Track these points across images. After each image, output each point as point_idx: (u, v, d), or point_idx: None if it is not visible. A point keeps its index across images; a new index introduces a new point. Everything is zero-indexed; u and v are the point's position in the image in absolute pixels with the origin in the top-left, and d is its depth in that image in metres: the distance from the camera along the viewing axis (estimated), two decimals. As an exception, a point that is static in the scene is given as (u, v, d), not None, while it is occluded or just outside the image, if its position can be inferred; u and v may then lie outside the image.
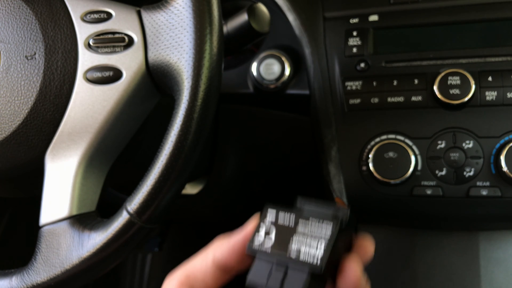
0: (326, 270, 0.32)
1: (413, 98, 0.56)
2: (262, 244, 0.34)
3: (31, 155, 0.44)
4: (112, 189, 0.73)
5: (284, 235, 0.34)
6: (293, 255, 0.33)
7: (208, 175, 0.75)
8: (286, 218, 0.34)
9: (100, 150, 0.44)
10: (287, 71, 0.63)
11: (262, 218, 0.35)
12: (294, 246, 0.33)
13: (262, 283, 0.33)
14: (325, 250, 0.32)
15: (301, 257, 0.32)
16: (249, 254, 0.34)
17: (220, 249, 0.35)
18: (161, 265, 1.08)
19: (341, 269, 0.33)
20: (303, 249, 0.33)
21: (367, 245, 0.36)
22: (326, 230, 0.33)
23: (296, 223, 0.34)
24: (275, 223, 0.34)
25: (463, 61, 0.55)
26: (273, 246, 0.34)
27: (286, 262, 0.33)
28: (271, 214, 0.35)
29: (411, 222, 0.62)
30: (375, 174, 0.55)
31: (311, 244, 0.32)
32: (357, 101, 0.57)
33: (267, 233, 0.34)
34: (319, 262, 0.32)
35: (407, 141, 0.55)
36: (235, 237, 0.35)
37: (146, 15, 0.43)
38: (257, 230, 0.35)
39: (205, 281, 0.35)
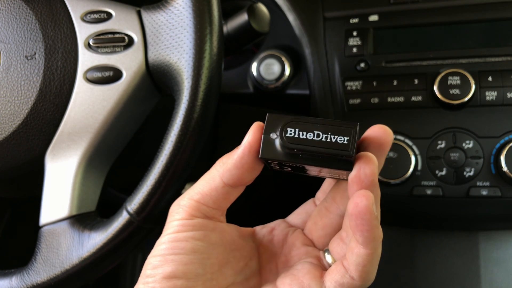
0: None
1: (413, 98, 0.56)
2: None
3: (31, 155, 0.44)
4: (112, 189, 0.73)
5: None
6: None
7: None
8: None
9: (100, 150, 0.44)
10: (287, 71, 0.63)
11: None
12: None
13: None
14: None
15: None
16: (263, 158, 0.32)
17: (226, 169, 0.33)
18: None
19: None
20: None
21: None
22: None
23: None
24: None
25: (463, 61, 0.55)
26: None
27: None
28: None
29: (411, 222, 0.62)
30: (375, 174, 0.55)
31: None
32: (357, 101, 0.57)
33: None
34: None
35: (407, 141, 0.55)
36: (237, 150, 0.33)
37: (146, 15, 0.43)
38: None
39: (217, 203, 0.34)
